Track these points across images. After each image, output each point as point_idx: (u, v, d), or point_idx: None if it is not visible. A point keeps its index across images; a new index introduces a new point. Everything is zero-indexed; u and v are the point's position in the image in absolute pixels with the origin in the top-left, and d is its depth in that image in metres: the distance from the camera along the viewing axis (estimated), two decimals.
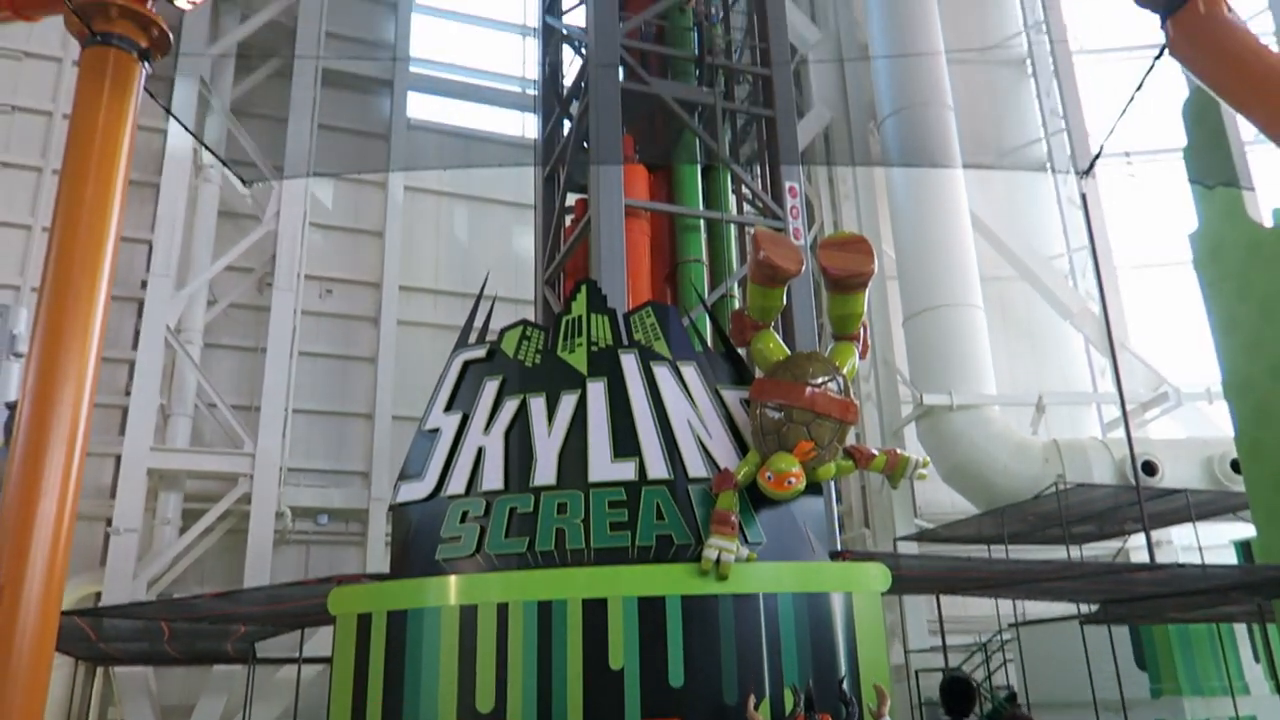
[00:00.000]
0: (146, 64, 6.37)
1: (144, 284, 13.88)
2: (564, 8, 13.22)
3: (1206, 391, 15.47)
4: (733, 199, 11.89)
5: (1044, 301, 17.36)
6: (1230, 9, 6.06)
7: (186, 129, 11.99)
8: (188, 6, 6.50)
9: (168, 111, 9.75)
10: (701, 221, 11.25)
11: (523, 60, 18.06)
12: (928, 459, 6.94)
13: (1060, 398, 16.40)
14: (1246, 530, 11.27)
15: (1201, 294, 10.30)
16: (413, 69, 17.10)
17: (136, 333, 13.84)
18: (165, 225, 13.87)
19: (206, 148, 12.59)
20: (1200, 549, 12.76)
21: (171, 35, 6.50)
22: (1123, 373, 12.88)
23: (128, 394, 13.48)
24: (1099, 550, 15.69)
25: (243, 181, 13.08)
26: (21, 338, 8.12)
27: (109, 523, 12.91)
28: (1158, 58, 6.38)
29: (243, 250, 14.52)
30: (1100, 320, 14.95)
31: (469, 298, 13.83)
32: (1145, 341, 17.53)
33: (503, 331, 7.30)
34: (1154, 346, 17.38)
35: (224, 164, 12.63)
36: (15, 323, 8.32)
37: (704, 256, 11.15)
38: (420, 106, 17.11)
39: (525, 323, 7.33)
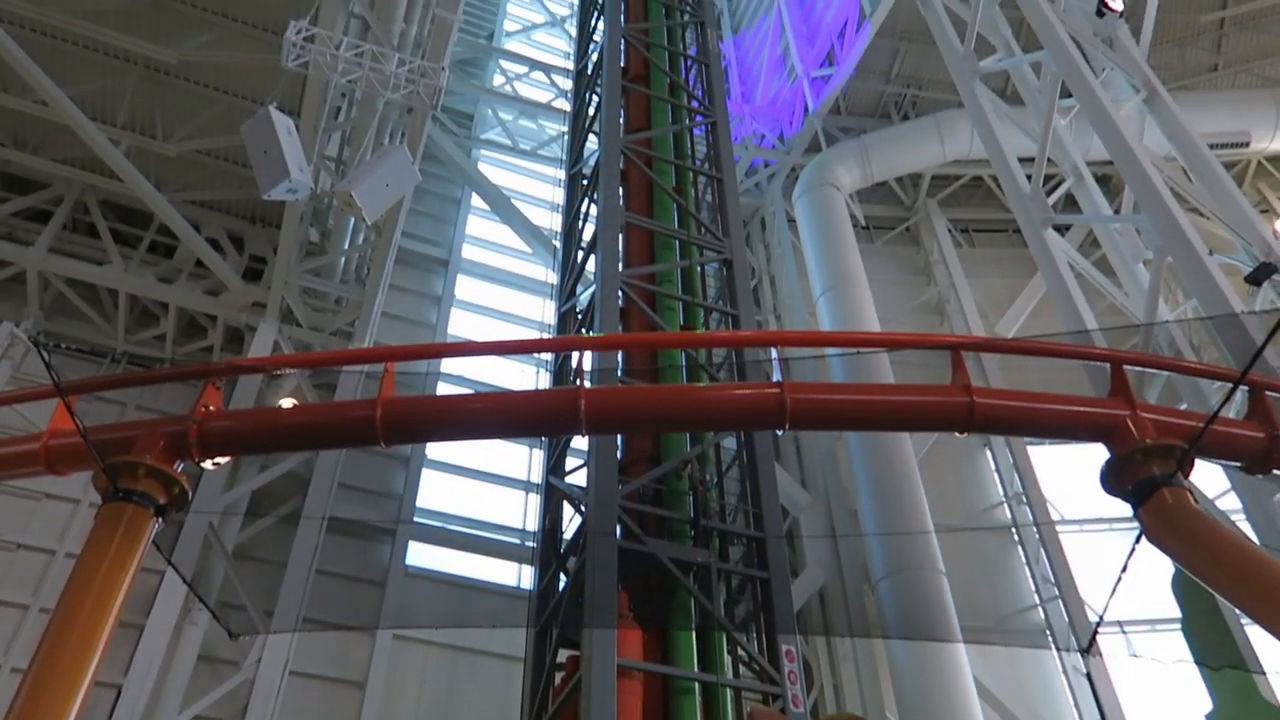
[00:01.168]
0: (160, 519, 6.59)
1: None
2: (567, 468, 13.99)
3: None
4: (729, 660, 11.57)
5: None
6: (1196, 500, 6.40)
7: (185, 582, 12.16)
8: (212, 467, 6.91)
9: (169, 563, 9.96)
10: (696, 685, 10.85)
11: (524, 514, 18.68)
12: None
13: None
14: None
15: None
16: (416, 518, 17.64)
17: None
18: (140, 671, 13.31)
19: (204, 603, 12.74)
20: None
21: (190, 491, 6.81)
22: None
23: None
24: None
25: (231, 635, 12.91)
26: None
27: None
28: (1136, 542, 6.60)
29: (214, 699, 13.79)
30: None
31: None
32: None
33: None
34: None
35: (215, 617, 12.58)
36: None
37: None
38: (419, 554, 17.36)
39: None
